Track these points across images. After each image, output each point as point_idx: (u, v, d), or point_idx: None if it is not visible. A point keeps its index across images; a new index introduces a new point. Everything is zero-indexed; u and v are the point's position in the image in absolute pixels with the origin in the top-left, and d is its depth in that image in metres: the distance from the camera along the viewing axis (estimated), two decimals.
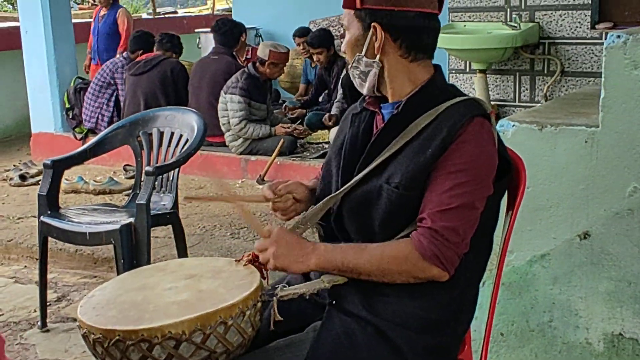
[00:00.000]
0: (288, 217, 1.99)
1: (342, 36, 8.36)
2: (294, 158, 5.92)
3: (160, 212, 3.61)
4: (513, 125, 2.58)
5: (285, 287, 1.80)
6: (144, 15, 14.90)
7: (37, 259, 3.89)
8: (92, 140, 3.90)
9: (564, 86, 5.50)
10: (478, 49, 5.46)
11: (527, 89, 5.64)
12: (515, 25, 5.45)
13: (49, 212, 3.57)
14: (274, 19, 9.14)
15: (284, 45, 6.18)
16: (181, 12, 16.11)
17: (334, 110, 6.47)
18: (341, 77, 6.45)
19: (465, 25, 5.74)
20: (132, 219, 3.37)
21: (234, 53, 6.57)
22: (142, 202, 3.36)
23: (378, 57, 1.81)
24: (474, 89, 5.66)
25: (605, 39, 2.42)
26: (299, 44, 7.83)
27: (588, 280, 2.54)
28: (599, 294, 2.53)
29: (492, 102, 5.68)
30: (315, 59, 7.12)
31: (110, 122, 6.64)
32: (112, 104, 6.85)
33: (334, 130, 5.79)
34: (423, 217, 1.71)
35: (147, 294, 1.74)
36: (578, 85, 5.42)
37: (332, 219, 1.87)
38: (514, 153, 1.96)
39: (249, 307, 1.67)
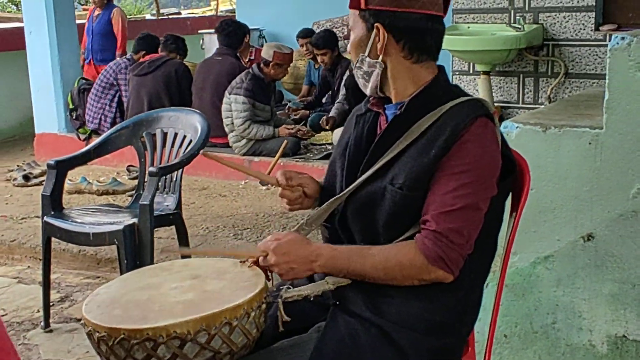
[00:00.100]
0: (292, 208, 1.99)
1: (346, 37, 8.39)
2: (297, 159, 5.92)
3: (163, 213, 3.61)
4: (517, 127, 2.58)
5: (290, 288, 1.80)
6: (148, 16, 14.93)
7: (40, 259, 3.89)
8: (95, 140, 3.90)
9: (567, 88, 5.49)
10: (482, 50, 5.45)
11: (530, 91, 5.64)
12: (519, 26, 5.45)
13: (52, 213, 3.57)
14: (278, 20, 9.15)
15: (287, 46, 6.18)
16: (185, 13, 16.14)
17: (332, 112, 6.46)
18: (344, 78, 6.45)
19: (469, 27, 5.74)
20: (135, 220, 3.37)
21: (238, 54, 6.57)
22: (145, 202, 3.36)
23: (381, 57, 1.81)
24: (477, 90, 5.66)
25: (610, 40, 2.42)
26: (302, 45, 7.83)
27: (592, 282, 2.54)
28: (602, 296, 2.53)
29: (496, 104, 5.68)
30: (319, 60, 7.12)
31: (113, 123, 6.65)
32: (114, 104, 6.86)
33: (338, 131, 5.79)
34: (427, 219, 1.71)
35: (152, 293, 1.75)
36: (582, 87, 5.41)
37: (336, 220, 1.87)
38: (518, 154, 1.96)
39: (254, 309, 1.67)
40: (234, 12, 10.71)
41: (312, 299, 1.79)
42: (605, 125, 2.43)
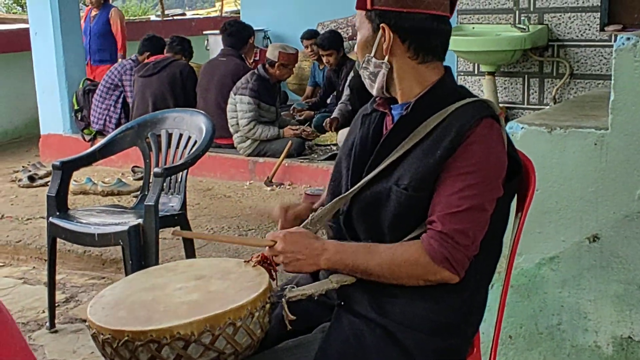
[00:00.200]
0: None
1: (351, 38, 8.35)
2: (302, 160, 5.92)
3: (168, 214, 3.62)
4: (522, 128, 2.58)
5: (294, 288, 1.80)
6: (153, 17, 14.96)
7: (45, 260, 3.90)
8: (100, 141, 3.91)
9: (572, 89, 5.49)
10: (487, 51, 5.45)
11: (535, 92, 5.63)
12: (524, 27, 5.44)
13: (57, 213, 3.58)
14: (282, 21, 9.15)
15: (292, 47, 6.19)
16: (189, 14, 16.17)
17: (335, 113, 6.45)
18: (349, 78, 6.45)
19: (473, 28, 5.74)
20: (140, 220, 3.37)
21: (242, 55, 6.57)
22: (150, 203, 3.36)
23: (387, 58, 1.81)
24: (482, 91, 5.65)
25: (615, 41, 2.42)
26: (307, 47, 7.83)
27: (597, 283, 2.53)
28: (608, 297, 2.52)
29: (501, 105, 5.67)
30: (325, 61, 7.12)
31: (117, 124, 6.66)
32: (119, 105, 6.87)
33: (342, 132, 5.78)
34: (433, 220, 1.71)
35: (157, 294, 1.75)
36: (587, 88, 5.40)
37: (341, 220, 1.87)
38: (524, 155, 1.96)
39: (258, 309, 1.67)
40: (239, 13, 10.72)
41: (316, 298, 1.79)
42: (611, 126, 2.43)
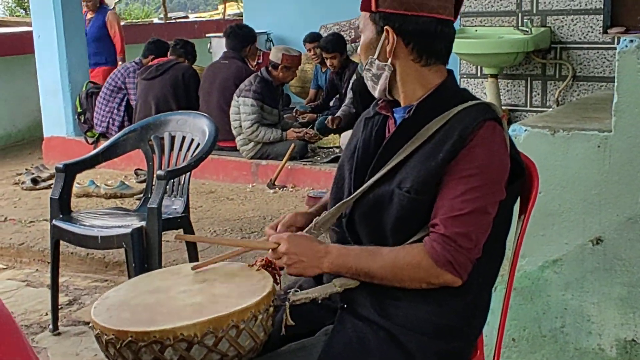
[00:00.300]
0: None
1: (353, 40, 8.34)
2: (305, 163, 5.92)
3: (171, 216, 3.62)
4: (525, 130, 2.58)
5: (298, 291, 1.80)
6: (155, 20, 14.98)
7: (48, 263, 3.90)
8: (103, 144, 3.92)
9: (575, 91, 5.48)
10: (489, 53, 5.45)
11: (538, 94, 5.63)
12: (527, 29, 5.44)
13: (60, 216, 3.58)
14: (285, 24, 9.16)
15: (296, 49, 6.19)
16: (192, 17, 16.20)
17: (338, 113, 6.46)
18: (351, 81, 6.45)
19: (476, 30, 5.73)
20: (143, 223, 3.38)
21: (245, 58, 6.58)
22: (153, 206, 3.36)
23: (390, 60, 1.81)
24: (485, 93, 5.65)
25: (618, 43, 2.41)
26: (309, 50, 7.83)
27: (601, 286, 2.53)
28: (611, 299, 2.52)
29: (504, 107, 5.67)
30: (328, 64, 7.12)
31: (121, 127, 6.67)
32: (122, 108, 6.88)
33: (345, 134, 5.78)
34: (435, 223, 1.71)
35: (161, 296, 1.75)
36: (590, 90, 5.40)
37: (344, 223, 1.87)
38: (527, 158, 1.95)
39: (261, 312, 1.67)
40: (242, 16, 10.73)
41: (319, 301, 1.79)
42: (614, 129, 2.43)
